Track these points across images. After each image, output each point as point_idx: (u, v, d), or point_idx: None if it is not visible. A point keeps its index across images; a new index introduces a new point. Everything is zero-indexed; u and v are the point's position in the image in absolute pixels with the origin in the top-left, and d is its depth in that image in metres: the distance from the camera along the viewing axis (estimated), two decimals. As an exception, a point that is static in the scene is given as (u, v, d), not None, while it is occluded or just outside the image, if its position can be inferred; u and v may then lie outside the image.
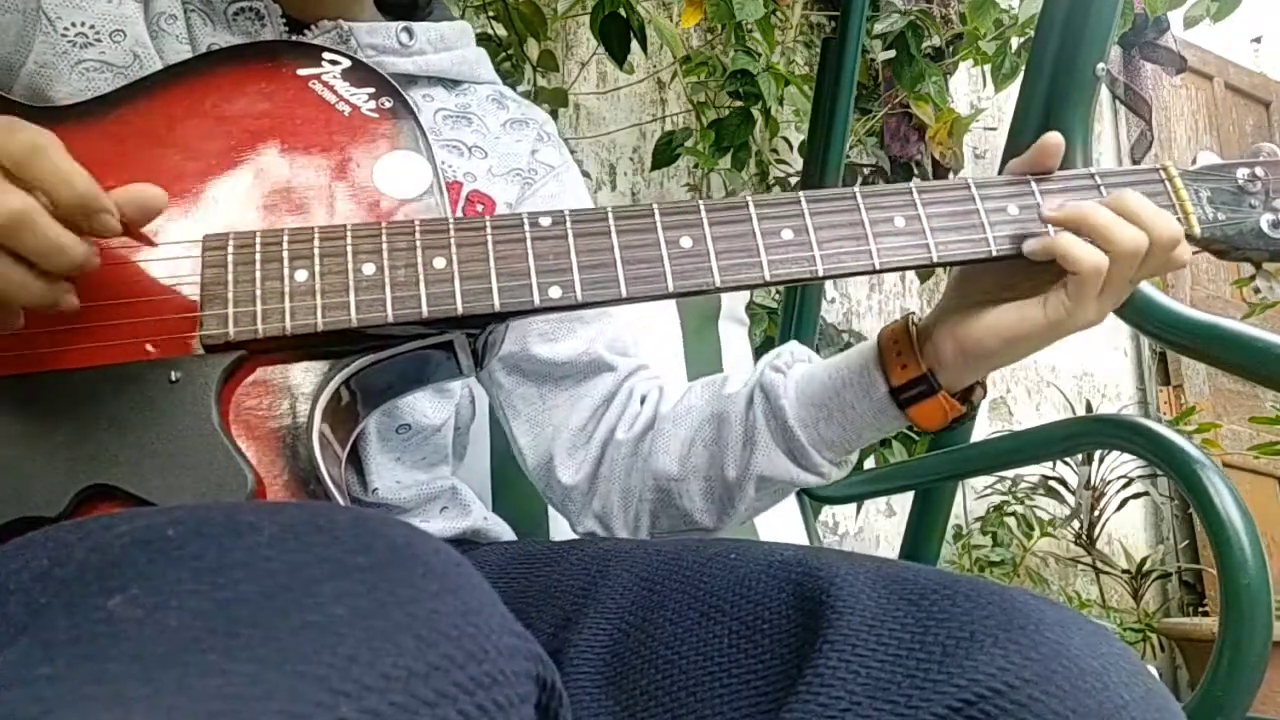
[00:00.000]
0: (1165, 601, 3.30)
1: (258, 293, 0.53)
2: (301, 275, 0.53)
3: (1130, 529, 3.30)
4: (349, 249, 0.54)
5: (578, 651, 0.52)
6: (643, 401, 0.78)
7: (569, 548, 0.65)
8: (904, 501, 1.88)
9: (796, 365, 0.71)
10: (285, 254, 0.53)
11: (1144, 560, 3.04)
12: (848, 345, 2.38)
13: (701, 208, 0.58)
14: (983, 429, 2.81)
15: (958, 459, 1.10)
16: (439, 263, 0.54)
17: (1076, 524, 2.92)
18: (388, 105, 0.61)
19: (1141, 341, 3.56)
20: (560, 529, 1.07)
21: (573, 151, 0.88)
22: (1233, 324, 0.77)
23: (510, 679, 0.31)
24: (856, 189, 0.60)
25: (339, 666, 0.27)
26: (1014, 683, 0.38)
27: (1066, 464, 2.89)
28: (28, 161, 0.44)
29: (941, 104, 2.39)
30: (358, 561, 0.32)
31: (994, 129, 3.15)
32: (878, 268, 0.58)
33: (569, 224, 0.56)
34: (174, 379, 0.50)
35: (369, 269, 0.54)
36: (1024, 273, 0.61)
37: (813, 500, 1.35)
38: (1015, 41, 2.30)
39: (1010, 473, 2.78)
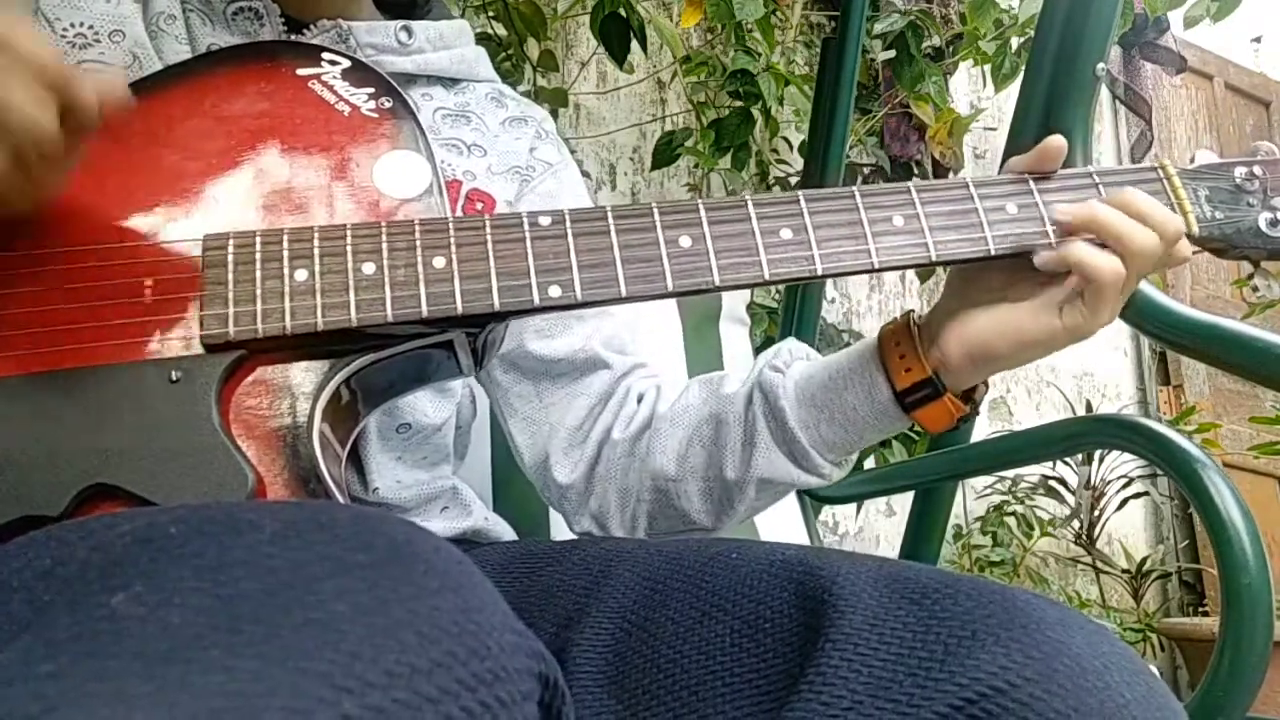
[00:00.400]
0: (1165, 601, 3.30)
1: (258, 292, 0.53)
2: (301, 275, 0.53)
3: (1130, 529, 3.30)
4: (349, 248, 0.54)
5: (580, 651, 0.52)
6: (639, 401, 0.78)
7: (570, 547, 0.65)
8: (904, 501, 1.88)
9: (795, 364, 0.71)
10: (285, 253, 0.54)
11: (1144, 560, 3.04)
12: (848, 345, 2.38)
13: (700, 207, 0.58)
14: (983, 429, 2.81)
15: (958, 459, 1.10)
16: (439, 262, 0.54)
17: (1076, 524, 2.92)
18: (387, 105, 0.61)
19: (1141, 341, 3.56)
20: (561, 529, 1.07)
21: (573, 151, 0.88)
22: (1233, 324, 0.77)
23: (512, 675, 0.31)
24: (855, 188, 0.60)
25: (342, 663, 0.27)
26: (1015, 681, 0.38)
27: (1066, 464, 2.89)
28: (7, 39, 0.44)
29: (941, 104, 2.39)
30: (359, 559, 0.32)
31: (994, 129, 3.15)
32: (876, 267, 0.58)
33: (568, 223, 0.56)
34: (174, 378, 0.50)
35: (369, 268, 0.54)
36: (1026, 271, 0.61)
37: (813, 500, 1.35)
38: (1015, 41, 2.30)
39: (1010, 473, 2.78)
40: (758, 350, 1.42)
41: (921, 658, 0.40)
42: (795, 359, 0.72)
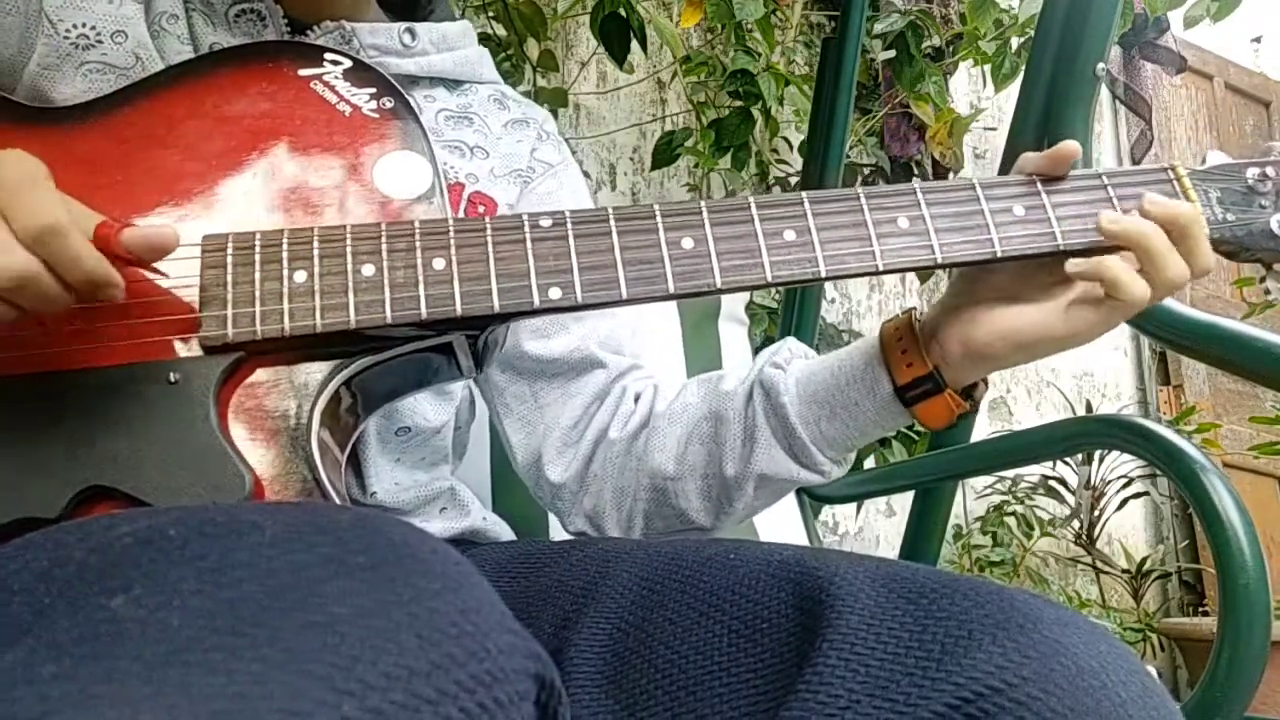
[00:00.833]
0: (1165, 601, 3.30)
1: (256, 294, 0.52)
2: (300, 276, 0.53)
3: (1130, 529, 3.30)
4: (348, 250, 0.54)
5: (578, 651, 0.52)
6: (636, 400, 0.78)
7: (569, 547, 0.65)
8: (904, 501, 1.88)
9: (795, 362, 0.71)
10: (284, 255, 0.53)
11: (1144, 560, 3.04)
12: (848, 345, 2.38)
13: (703, 208, 0.58)
14: (983, 429, 2.81)
15: (958, 459, 1.10)
16: (438, 264, 0.54)
17: (1076, 524, 2.92)
18: (389, 105, 0.61)
19: (1141, 341, 3.56)
20: (560, 529, 1.07)
21: (573, 151, 0.88)
22: (1233, 324, 0.77)
23: (510, 677, 0.31)
24: (860, 189, 0.59)
25: (341, 665, 0.28)
26: (1012, 681, 0.38)
27: (1066, 464, 2.90)
28: (41, 239, 0.45)
29: (941, 104, 2.39)
30: (359, 561, 0.33)
31: (994, 129, 3.15)
32: (881, 269, 0.58)
33: (569, 224, 0.56)
34: (173, 380, 0.51)
35: (368, 270, 0.53)
36: (1032, 273, 0.61)
37: (813, 500, 1.35)
38: (1015, 41, 2.30)
39: (1010, 473, 2.78)
40: (757, 350, 1.42)
41: (919, 657, 0.40)
42: (795, 357, 0.72)
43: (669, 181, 2.44)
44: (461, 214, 0.73)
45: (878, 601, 0.44)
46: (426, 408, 0.73)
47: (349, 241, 0.54)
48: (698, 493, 0.72)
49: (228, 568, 0.31)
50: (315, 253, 0.54)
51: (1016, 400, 3.16)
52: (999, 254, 0.59)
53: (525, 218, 0.56)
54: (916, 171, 2.60)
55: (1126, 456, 2.76)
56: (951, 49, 2.51)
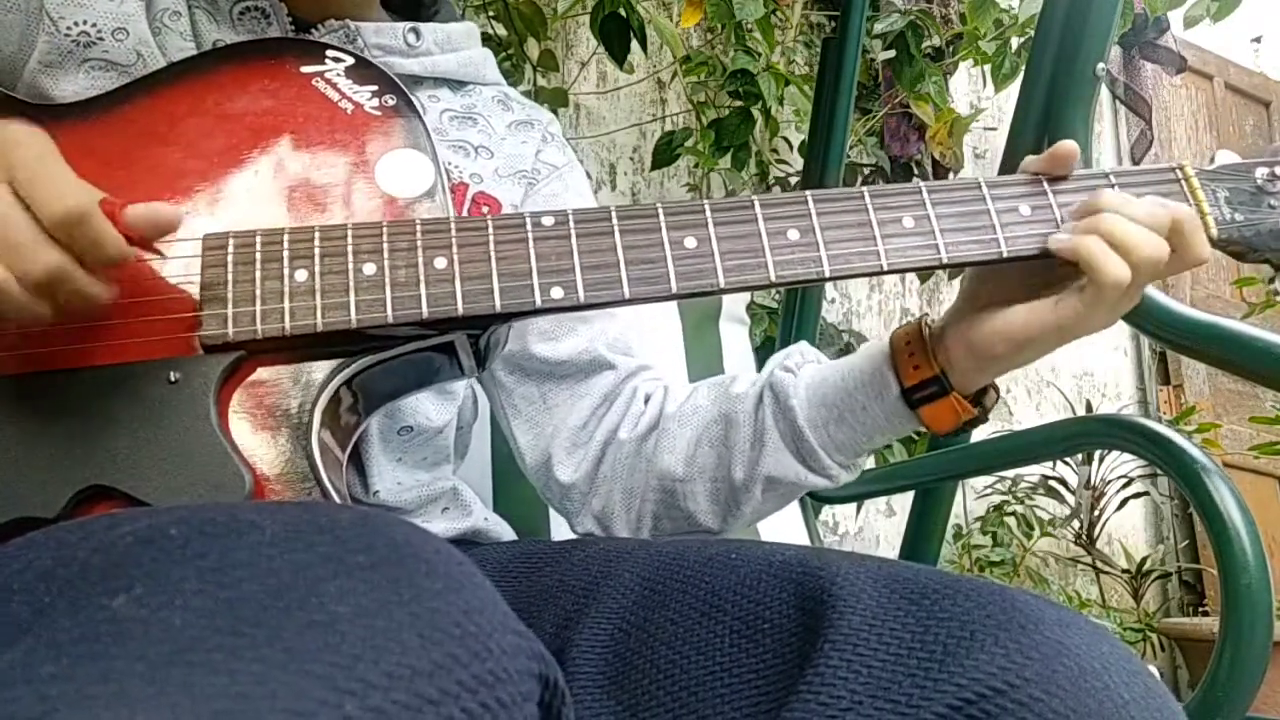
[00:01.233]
0: (1165, 601, 3.30)
1: (257, 293, 0.52)
2: (301, 275, 0.53)
3: (1130, 529, 3.30)
4: (349, 249, 0.54)
5: (579, 651, 0.52)
6: (647, 401, 0.78)
7: (570, 547, 0.65)
8: (904, 501, 1.88)
9: (806, 366, 0.71)
10: (285, 254, 0.53)
11: (1144, 560, 3.04)
12: (848, 345, 2.39)
13: (706, 208, 0.57)
14: (983, 429, 2.81)
15: (958, 459, 1.10)
16: (440, 263, 0.54)
17: (1076, 524, 2.93)
18: (391, 103, 0.61)
19: (1141, 341, 3.56)
20: (561, 529, 1.07)
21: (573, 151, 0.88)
22: (1233, 324, 0.77)
23: (513, 677, 0.31)
24: (865, 189, 0.59)
25: (343, 665, 0.27)
26: (1015, 682, 0.38)
27: (1066, 464, 2.90)
28: (66, 227, 0.46)
29: (941, 104, 2.39)
30: (360, 560, 0.32)
31: (994, 129, 3.15)
32: (885, 269, 0.57)
33: (571, 224, 0.56)
34: (173, 379, 0.50)
35: (369, 269, 0.53)
36: (1039, 274, 0.60)
37: (813, 500, 1.35)
38: (1015, 41, 2.30)
39: (1010, 473, 2.78)
40: (758, 350, 1.42)
41: (921, 658, 0.40)
42: (807, 361, 0.72)
43: (669, 181, 2.44)
44: (465, 214, 0.73)
45: (879, 602, 0.44)
46: (429, 407, 0.73)
47: (350, 240, 0.54)
48: (706, 495, 0.72)
49: (229, 567, 0.31)
50: (316, 251, 0.53)
51: (1016, 400, 3.17)
52: (1004, 254, 0.59)
53: (527, 216, 0.56)
54: (916, 171, 2.60)
55: (1126, 456, 2.77)
56: (951, 49, 2.51)
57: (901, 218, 0.59)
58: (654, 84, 2.46)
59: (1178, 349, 0.82)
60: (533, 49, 1.94)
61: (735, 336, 1.36)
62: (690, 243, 0.56)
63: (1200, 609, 3.24)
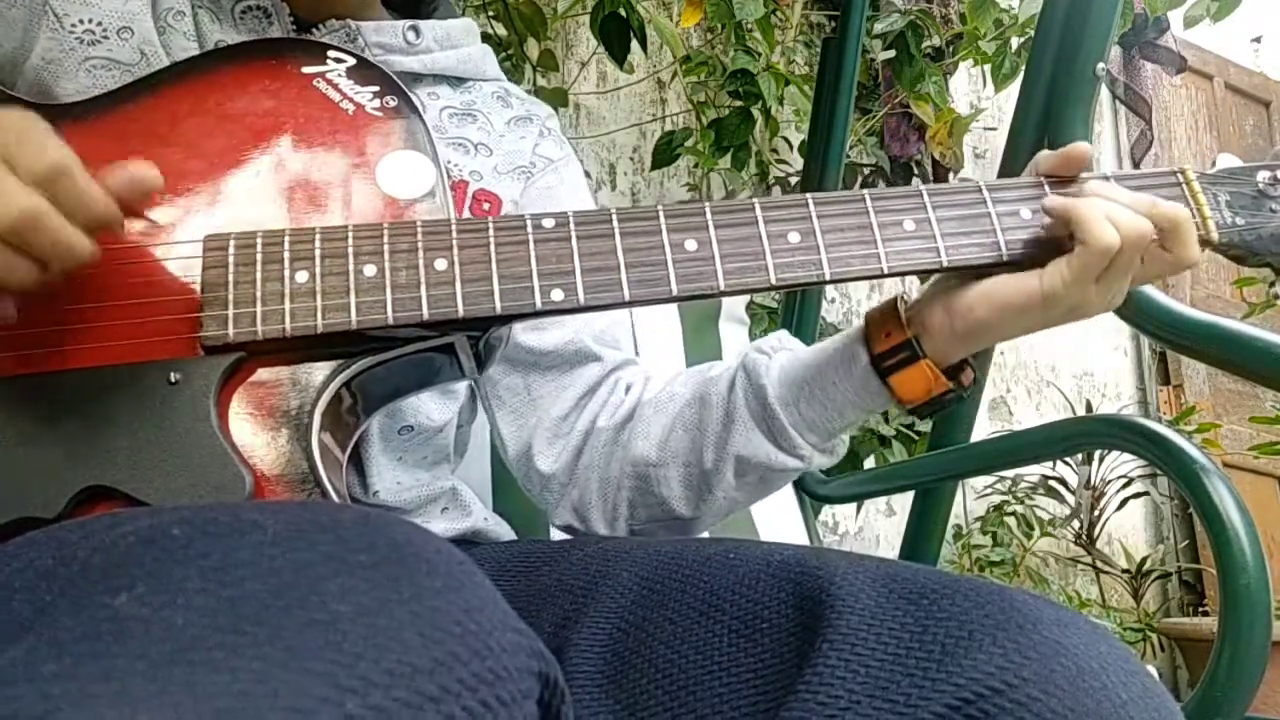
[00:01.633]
0: (1165, 601, 3.30)
1: (258, 294, 0.52)
2: (302, 276, 0.53)
3: (1130, 529, 3.30)
4: (350, 250, 0.54)
5: (578, 650, 0.52)
6: (627, 391, 0.78)
7: (569, 547, 0.65)
8: (904, 501, 1.88)
9: (783, 350, 0.71)
10: (286, 255, 0.53)
11: (1144, 560, 3.04)
12: (848, 345, 2.38)
13: (707, 210, 0.57)
14: (983, 429, 2.81)
15: (958, 459, 1.10)
16: (440, 264, 0.54)
17: (1076, 524, 2.93)
18: (392, 104, 0.61)
19: (1141, 341, 3.56)
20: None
21: (573, 150, 0.88)
22: (1233, 324, 0.77)
23: (513, 675, 0.32)
24: (865, 191, 0.59)
25: (344, 663, 0.28)
26: (1013, 681, 0.38)
27: (1066, 464, 2.89)
28: (49, 182, 0.45)
29: (941, 104, 2.39)
30: (361, 559, 0.33)
31: (994, 129, 3.15)
32: (886, 271, 0.57)
33: (572, 226, 0.56)
34: (173, 380, 0.51)
35: (370, 270, 0.53)
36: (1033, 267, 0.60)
37: (813, 500, 1.35)
38: (1015, 41, 2.30)
39: (1010, 473, 2.78)
40: (758, 350, 1.42)
41: (919, 658, 0.41)
42: (784, 346, 0.71)
43: (669, 181, 2.44)
44: (466, 211, 0.73)
45: (878, 602, 0.44)
46: (430, 406, 0.73)
47: (351, 241, 0.54)
48: (679, 479, 0.72)
49: (230, 566, 0.31)
50: (317, 253, 0.54)
51: (1016, 400, 3.16)
52: (1005, 257, 0.59)
53: (528, 218, 0.56)
54: (916, 171, 2.60)
55: (1126, 456, 2.77)
56: (951, 49, 2.51)
57: (902, 220, 0.58)
58: (654, 84, 2.46)
59: (1178, 349, 0.82)
60: (533, 49, 1.94)
61: (735, 337, 1.36)
62: (691, 245, 0.56)
63: (1200, 609, 3.24)
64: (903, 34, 2.23)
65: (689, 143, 2.09)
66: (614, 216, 0.57)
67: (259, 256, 0.53)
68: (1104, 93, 3.19)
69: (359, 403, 0.58)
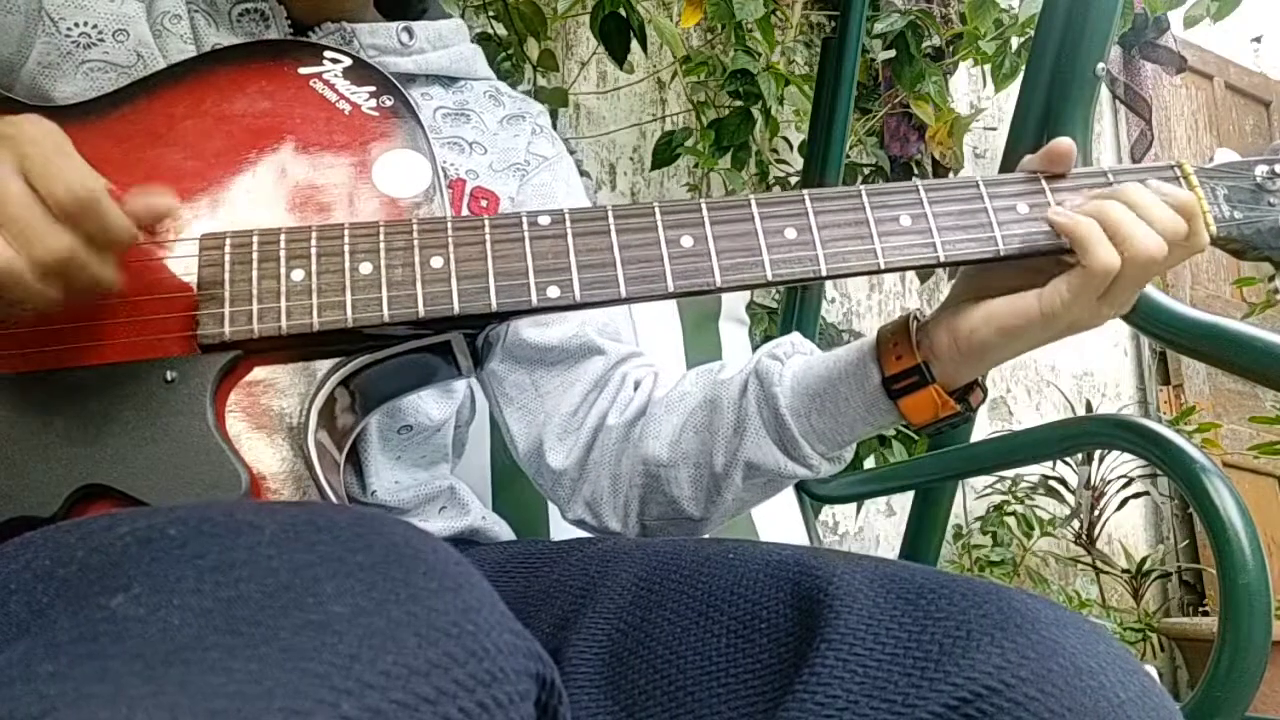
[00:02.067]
0: (1165, 601, 3.30)
1: (254, 292, 0.53)
2: (298, 275, 0.53)
3: (1130, 529, 3.30)
4: (346, 248, 0.54)
5: (576, 651, 0.52)
6: (636, 387, 0.78)
7: (568, 547, 0.65)
8: (904, 501, 1.88)
9: (795, 356, 0.71)
10: (282, 253, 0.53)
11: (1144, 560, 3.04)
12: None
13: (703, 207, 0.57)
14: (983, 429, 2.81)
15: (958, 459, 1.10)
16: (436, 262, 0.54)
17: (1076, 524, 2.92)
18: (388, 104, 0.61)
19: (1141, 341, 3.56)
20: (560, 529, 1.07)
21: (572, 151, 0.89)
22: (1233, 324, 0.77)
23: (510, 676, 0.31)
24: (862, 187, 0.59)
25: (340, 664, 0.28)
26: (1010, 681, 0.38)
27: (1066, 464, 2.89)
28: (75, 212, 0.46)
29: (941, 104, 2.39)
30: (358, 560, 0.32)
31: (994, 129, 3.15)
32: (883, 267, 0.57)
33: (568, 223, 0.56)
34: (169, 378, 0.51)
35: (366, 268, 0.53)
36: (1031, 270, 0.60)
37: (813, 500, 1.35)
38: (1015, 41, 2.30)
39: (1010, 473, 2.78)
40: (757, 349, 1.42)
41: (917, 658, 0.41)
42: (797, 351, 0.71)
43: (669, 181, 2.44)
44: (464, 209, 0.73)
45: (876, 602, 0.44)
46: (429, 406, 0.73)
47: (347, 240, 0.54)
48: (689, 480, 0.72)
49: (226, 567, 0.31)
50: (313, 251, 0.54)
51: (1016, 400, 3.16)
52: (1002, 252, 0.58)
53: (524, 216, 0.56)
54: (916, 171, 2.59)
55: (1126, 456, 2.77)
56: (951, 49, 2.50)
57: (899, 216, 0.58)
58: (654, 84, 2.46)
59: (1178, 349, 0.82)
60: (533, 49, 1.94)
61: (735, 337, 1.36)
62: (687, 241, 0.56)
63: (1200, 609, 3.24)
64: (903, 34, 2.23)
65: (689, 143, 2.09)
66: (610, 213, 0.57)
67: (255, 255, 0.53)
68: (1104, 93, 3.19)
69: (356, 401, 0.58)
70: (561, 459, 0.76)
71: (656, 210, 0.57)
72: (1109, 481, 2.92)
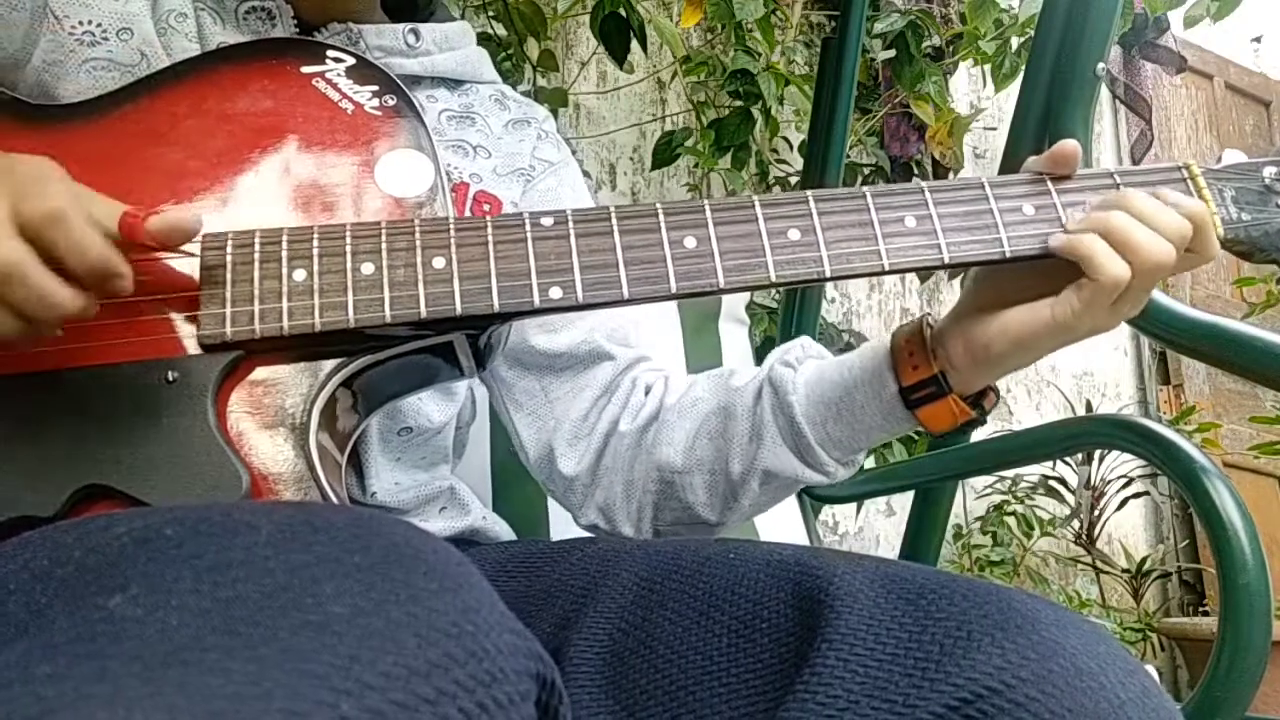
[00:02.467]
0: (1165, 601, 3.30)
1: (255, 292, 0.52)
2: (300, 275, 0.53)
3: (1130, 529, 3.30)
4: (348, 248, 0.54)
5: (577, 651, 0.52)
6: (647, 392, 0.78)
7: (568, 547, 0.65)
8: (904, 501, 1.88)
9: (807, 361, 0.71)
10: (284, 253, 0.53)
11: (1144, 560, 3.04)
12: (848, 345, 2.39)
13: (706, 207, 0.57)
14: (983, 429, 2.80)
15: (958, 459, 1.10)
16: (438, 263, 0.54)
17: (1076, 524, 2.92)
18: (391, 103, 0.61)
19: (1141, 341, 3.56)
20: (560, 528, 1.07)
21: (573, 152, 0.88)
22: (1233, 324, 0.76)
23: (510, 676, 0.31)
24: (867, 188, 0.59)
25: (339, 665, 0.27)
26: (1011, 681, 0.38)
27: (1066, 464, 2.89)
28: (45, 230, 0.45)
29: (941, 104, 2.39)
30: (356, 561, 0.32)
31: (994, 129, 3.15)
32: (887, 269, 0.57)
33: (571, 224, 0.56)
34: (170, 379, 0.50)
35: (368, 269, 0.53)
36: (1043, 276, 0.59)
37: (813, 500, 1.35)
38: (1015, 41, 2.30)
39: (1010, 473, 2.78)
40: (757, 350, 1.42)
41: (918, 658, 0.40)
42: (808, 356, 0.71)
43: (669, 181, 2.44)
44: (467, 213, 0.73)
45: (876, 602, 0.44)
46: (430, 407, 0.73)
47: (349, 240, 0.54)
48: (704, 487, 0.72)
49: (224, 567, 0.31)
50: (315, 251, 0.53)
51: (1016, 400, 3.16)
52: (1007, 254, 0.58)
53: (526, 216, 0.56)
54: (916, 171, 2.59)
55: (1126, 456, 2.76)
56: (951, 49, 2.50)
57: (904, 217, 0.58)
58: (654, 84, 2.46)
59: (1178, 349, 0.82)
60: (533, 49, 1.94)
61: (735, 336, 1.36)
62: (690, 242, 0.56)
63: (1200, 609, 3.24)
64: (903, 34, 2.23)
65: (689, 143, 2.09)
66: (613, 214, 0.56)
67: (257, 255, 0.53)
68: (1104, 93, 3.19)
69: (358, 402, 0.57)
70: (573, 465, 0.76)
71: (660, 211, 0.57)
72: (1109, 481, 2.92)
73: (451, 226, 0.55)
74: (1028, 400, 3.20)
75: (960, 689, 0.38)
